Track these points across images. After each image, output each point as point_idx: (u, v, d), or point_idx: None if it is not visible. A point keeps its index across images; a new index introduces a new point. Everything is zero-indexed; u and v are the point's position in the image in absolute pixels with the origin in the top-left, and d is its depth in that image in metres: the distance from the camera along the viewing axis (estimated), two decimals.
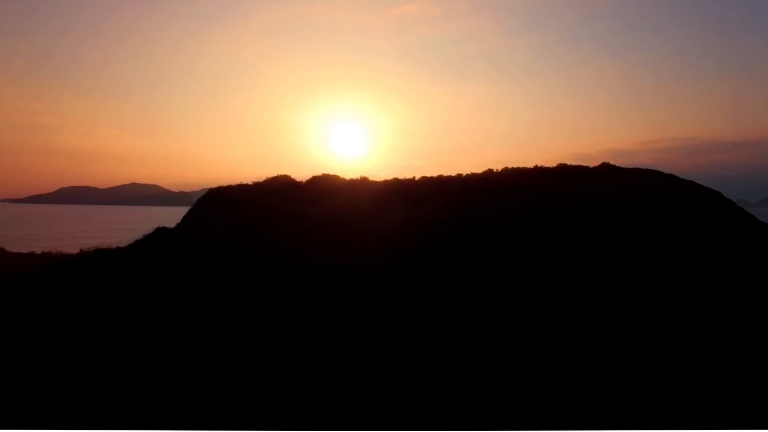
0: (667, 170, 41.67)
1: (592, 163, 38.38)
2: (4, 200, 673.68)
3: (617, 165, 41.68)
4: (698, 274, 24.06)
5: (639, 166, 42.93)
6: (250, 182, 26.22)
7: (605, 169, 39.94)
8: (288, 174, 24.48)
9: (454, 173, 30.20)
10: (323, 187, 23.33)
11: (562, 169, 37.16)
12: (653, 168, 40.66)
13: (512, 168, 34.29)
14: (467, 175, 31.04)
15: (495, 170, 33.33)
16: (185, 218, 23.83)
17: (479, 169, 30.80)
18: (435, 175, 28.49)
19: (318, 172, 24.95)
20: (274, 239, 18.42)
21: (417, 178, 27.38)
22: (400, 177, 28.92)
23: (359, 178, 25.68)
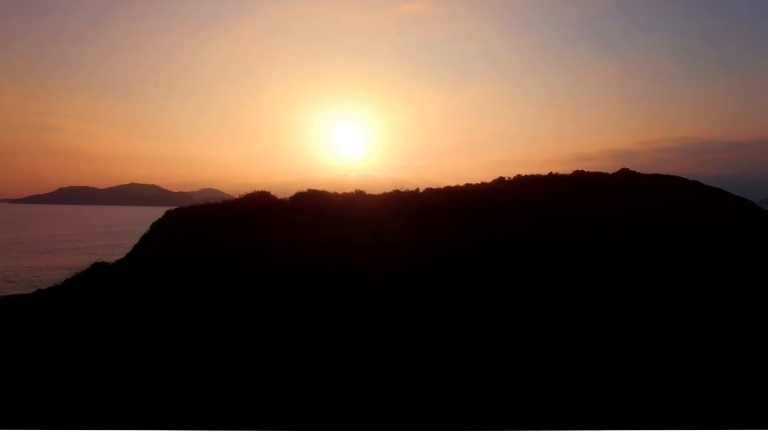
0: (666, 170, 38.55)
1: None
2: (2, 200, 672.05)
3: (636, 171, 38.72)
4: (726, 291, 21.25)
5: (643, 167, 39.71)
6: (219, 200, 22.97)
7: (624, 176, 36.77)
8: (267, 190, 21.02)
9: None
10: (309, 207, 19.79)
11: (579, 177, 33.95)
12: (653, 167, 37.60)
13: (525, 176, 31.07)
14: (477, 185, 27.74)
15: (507, 178, 30.09)
16: (136, 248, 20.32)
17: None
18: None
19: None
20: (239, 286, 15.11)
21: (421, 190, 24.01)
22: (401, 186, 25.58)
23: (354, 192, 22.18)
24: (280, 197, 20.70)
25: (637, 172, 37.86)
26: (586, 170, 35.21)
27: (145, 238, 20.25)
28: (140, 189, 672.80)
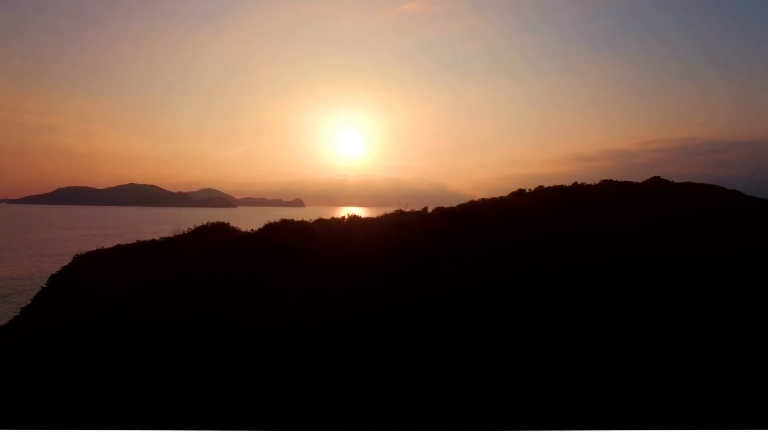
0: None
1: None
2: (1, 201, 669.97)
3: (668, 180, 34.95)
4: None
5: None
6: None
7: (656, 186, 32.91)
8: (227, 221, 16.73)
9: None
10: (281, 246, 15.40)
11: (607, 188, 30.04)
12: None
13: (548, 187, 27.10)
14: (492, 200, 23.63)
15: (527, 190, 26.10)
16: (29, 309, 15.97)
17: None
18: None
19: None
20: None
21: (430, 209, 19.92)
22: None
23: (345, 218, 17.87)
24: (245, 229, 16.33)
25: (669, 180, 34.15)
26: (614, 180, 31.32)
27: (43, 294, 15.92)
28: (139, 189, 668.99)
